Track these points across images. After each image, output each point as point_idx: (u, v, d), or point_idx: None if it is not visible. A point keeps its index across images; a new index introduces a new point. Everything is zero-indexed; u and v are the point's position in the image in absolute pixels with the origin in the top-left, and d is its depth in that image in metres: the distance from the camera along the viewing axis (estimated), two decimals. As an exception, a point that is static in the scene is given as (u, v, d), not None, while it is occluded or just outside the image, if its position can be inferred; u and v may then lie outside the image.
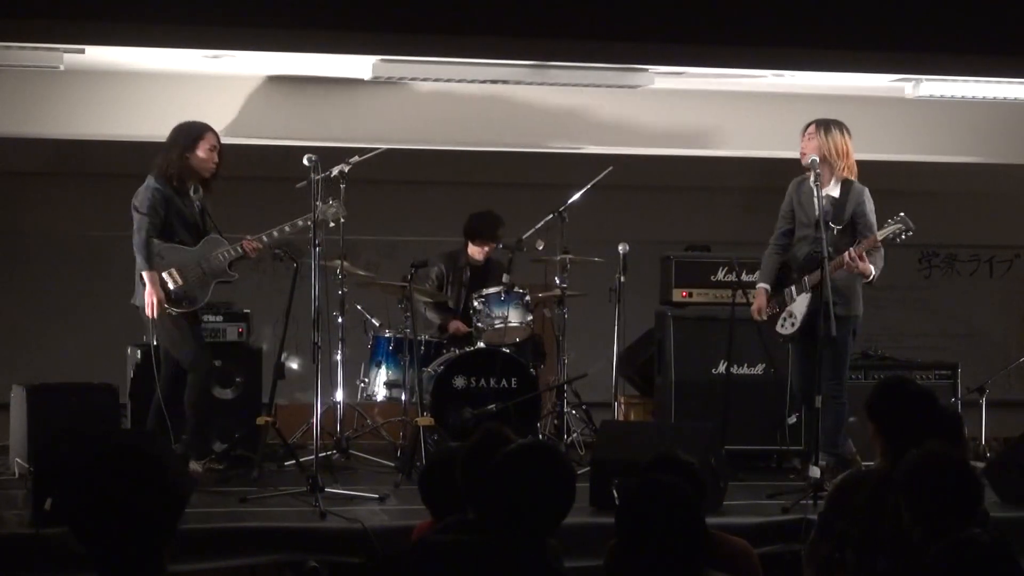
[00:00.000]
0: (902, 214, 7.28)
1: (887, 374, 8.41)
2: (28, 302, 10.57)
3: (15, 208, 10.71)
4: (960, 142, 9.69)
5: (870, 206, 7.38)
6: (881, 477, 4.61)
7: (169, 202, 7.37)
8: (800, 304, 7.34)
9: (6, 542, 6.10)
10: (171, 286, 7.34)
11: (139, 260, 7.40)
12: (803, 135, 7.50)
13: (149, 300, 7.31)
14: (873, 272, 7.30)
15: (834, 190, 7.43)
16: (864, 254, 7.24)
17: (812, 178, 7.31)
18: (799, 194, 7.48)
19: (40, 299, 10.57)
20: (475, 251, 8.95)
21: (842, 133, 7.44)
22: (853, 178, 7.45)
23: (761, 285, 7.64)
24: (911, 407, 4.81)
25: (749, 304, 8.24)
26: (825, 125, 7.44)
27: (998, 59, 7.81)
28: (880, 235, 7.27)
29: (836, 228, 7.34)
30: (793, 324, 7.41)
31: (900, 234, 7.25)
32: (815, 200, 7.31)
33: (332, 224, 7.53)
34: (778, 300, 7.58)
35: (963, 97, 8.62)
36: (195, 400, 7.45)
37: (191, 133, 7.44)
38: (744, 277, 8.45)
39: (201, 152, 7.39)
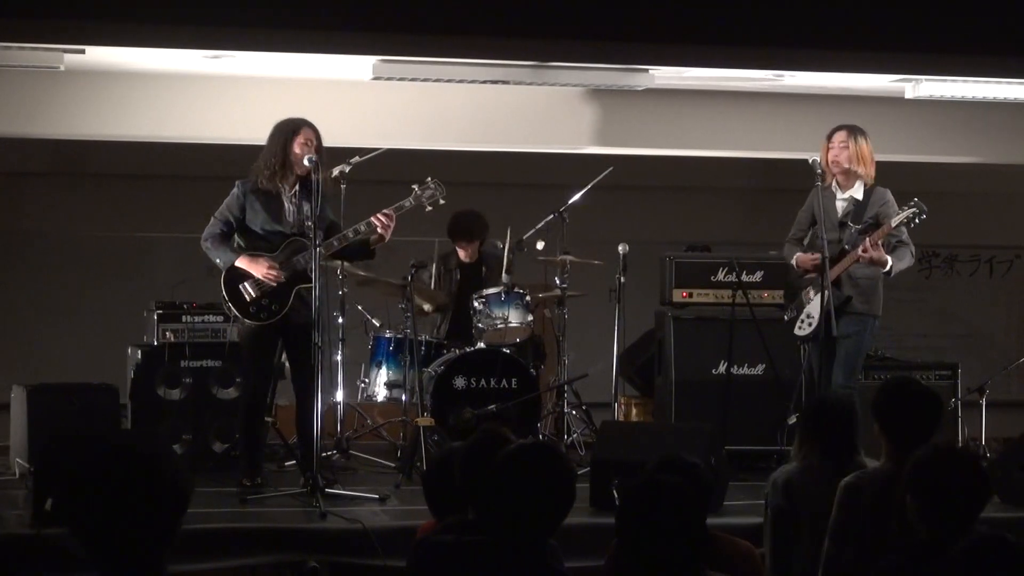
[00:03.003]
0: (916, 199, 7.32)
1: (887, 374, 8.43)
2: (28, 302, 10.57)
3: (15, 208, 10.72)
4: (960, 142, 9.69)
5: (893, 207, 7.42)
6: (886, 477, 4.60)
7: (248, 206, 7.12)
8: (816, 304, 7.34)
9: (6, 542, 6.10)
10: (247, 298, 7.09)
11: (219, 263, 7.14)
12: (829, 140, 7.47)
13: (263, 273, 7.04)
14: (890, 262, 7.33)
15: (857, 192, 7.48)
16: (879, 244, 7.27)
17: (817, 179, 7.33)
18: (820, 199, 7.42)
19: (40, 299, 10.58)
20: (460, 251, 8.96)
21: (867, 140, 7.50)
22: (871, 183, 7.49)
23: (798, 255, 7.58)
24: (916, 407, 4.82)
25: (749, 304, 8.26)
26: (855, 133, 7.46)
27: (998, 59, 7.81)
28: (894, 221, 7.32)
29: (855, 227, 7.38)
30: (810, 324, 7.42)
31: (915, 218, 7.30)
32: (836, 203, 7.45)
33: (429, 208, 7.43)
34: (796, 303, 7.59)
35: (963, 97, 8.61)
36: (241, 422, 7.33)
37: (287, 128, 7.13)
38: (744, 277, 8.46)
39: (296, 147, 7.08)
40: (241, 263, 7.09)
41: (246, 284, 7.09)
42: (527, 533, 3.60)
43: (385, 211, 7.20)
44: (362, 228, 7.20)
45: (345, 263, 8.24)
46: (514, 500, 3.61)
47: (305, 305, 7.06)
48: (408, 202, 7.32)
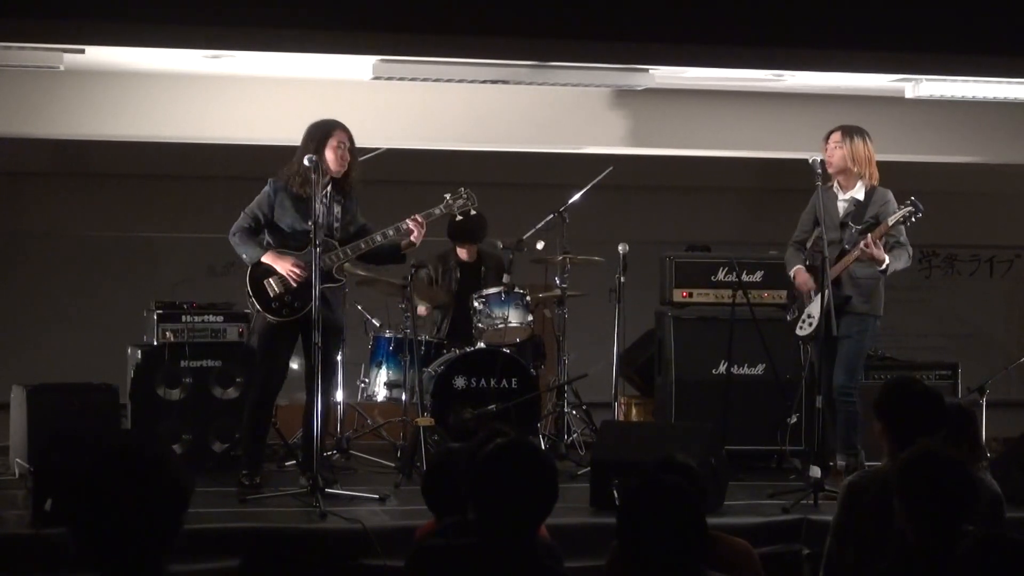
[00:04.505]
0: (912, 198, 7.33)
1: (888, 374, 8.43)
2: (28, 302, 10.57)
3: (15, 208, 10.72)
4: (960, 142, 9.69)
5: (893, 207, 7.42)
6: (888, 476, 4.60)
7: (279, 204, 7.13)
8: (817, 304, 7.34)
9: (6, 542, 6.10)
10: (270, 294, 7.09)
11: (245, 258, 7.16)
12: (827, 141, 7.48)
13: (288, 270, 7.05)
14: (887, 261, 7.32)
15: (859, 193, 7.48)
16: (879, 242, 7.27)
17: (818, 179, 7.32)
18: (822, 200, 7.42)
19: (40, 299, 10.58)
20: (461, 252, 8.97)
21: (864, 141, 7.49)
22: (875, 184, 7.48)
23: (796, 268, 7.62)
24: (918, 406, 4.82)
25: (749, 304, 8.26)
26: (850, 133, 7.46)
27: (998, 59, 7.82)
28: (891, 220, 7.32)
29: (856, 228, 7.38)
30: (811, 324, 7.42)
31: (911, 217, 7.31)
32: (837, 203, 7.45)
33: (460, 218, 7.48)
34: (798, 303, 7.59)
35: (963, 97, 8.62)
36: (247, 416, 7.31)
37: (320, 131, 7.14)
38: (744, 277, 8.46)
39: (330, 150, 7.09)
40: (267, 259, 7.11)
41: (270, 280, 7.12)
42: (512, 529, 3.61)
43: (416, 217, 7.22)
44: (390, 233, 7.24)
45: (346, 264, 8.23)
46: (496, 498, 3.63)
47: (326, 305, 7.08)
48: (439, 210, 7.38)
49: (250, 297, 7.16)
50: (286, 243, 7.17)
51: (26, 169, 10.56)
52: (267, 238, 7.22)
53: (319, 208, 7.11)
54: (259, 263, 7.13)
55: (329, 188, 7.17)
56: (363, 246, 7.21)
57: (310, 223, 6.98)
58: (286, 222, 7.16)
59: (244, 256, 7.18)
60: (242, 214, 7.21)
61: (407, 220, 7.22)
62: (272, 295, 7.11)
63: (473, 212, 7.50)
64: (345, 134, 7.17)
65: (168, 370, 8.04)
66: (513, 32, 7.29)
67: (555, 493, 3.70)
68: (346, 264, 8.21)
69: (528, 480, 3.65)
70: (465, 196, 7.41)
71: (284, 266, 7.10)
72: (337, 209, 7.16)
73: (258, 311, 7.19)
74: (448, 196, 7.42)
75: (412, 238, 7.23)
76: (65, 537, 3.06)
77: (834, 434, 7.43)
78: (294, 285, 7.08)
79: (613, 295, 8.46)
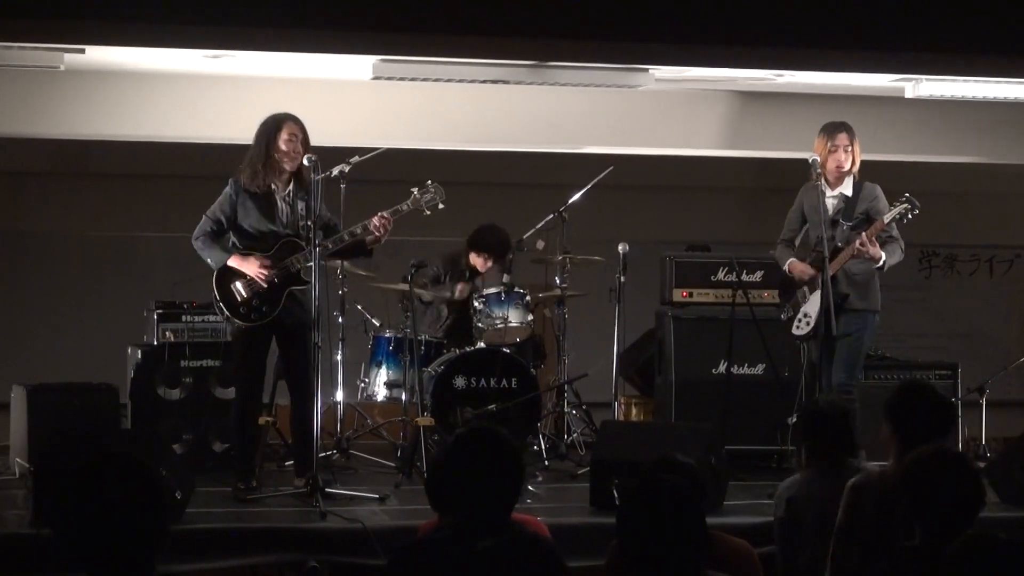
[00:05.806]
0: (907, 194, 7.32)
1: (887, 374, 8.44)
2: (28, 302, 10.58)
3: (15, 208, 10.72)
4: (960, 142, 9.70)
5: (883, 203, 7.42)
6: (892, 479, 4.60)
7: (239, 204, 6.98)
8: (813, 303, 7.33)
9: (6, 542, 6.10)
10: (238, 299, 6.98)
11: (211, 262, 7.02)
12: (832, 141, 7.42)
13: (255, 272, 6.92)
14: (883, 257, 7.31)
15: (847, 189, 7.47)
16: (874, 239, 7.26)
17: (815, 177, 7.33)
18: (810, 197, 7.44)
19: (40, 299, 10.59)
20: (477, 260, 8.91)
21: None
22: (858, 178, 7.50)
23: (790, 260, 7.59)
24: (931, 412, 4.81)
25: (749, 304, 8.26)
26: (853, 134, 7.45)
27: (998, 59, 7.81)
28: (887, 217, 7.31)
29: (847, 224, 7.38)
30: (808, 323, 7.41)
31: (907, 213, 7.30)
32: (826, 200, 7.43)
33: (428, 213, 7.23)
34: (792, 303, 7.59)
35: (963, 97, 8.61)
36: (234, 423, 7.25)
37: (271, 125, 6.99)
38: (744, 277, 8.46)
39: (281, 143, 6.94)
40: (233, 262, 6.98)
41: (237, 284, 7.00)
42: (485, 514, 3.62)
43: (383, 214, 7.12)
44: (358, 231, 7.10)
45: (345, 263, 8.24)
46: (462, 485, 3.65)
47: (298, 305, 7.02)
48: (405, 206, 7.20)
49: (218, 302, 7.03)
50: (253, 245, 7.02)
51: (26, 169, 10.57)
52: (233, 240, 7.06)
53: (281, 206, 7.02)
54: (224, 267, 6.99)
55: (291, 186, 7.04)
56: (330, 246, 7.02)
57: (308, 222, 6.91)
58: (249, 223, 7.01)
59: (209, 261, 7.02)
60: (204, 217, 7.05)
61: (374, 218, 7.08)
62: (240, 300, 6.99)
63: (441, 206, 7.25)
64: (297, 126, 7.00)
65: (168, 370, 8.04)
66: (513, 32, 7.29)
67: (521, 473, 3.71)
68: (346, 264, 8.24)
69: (490, 462, 3.66)
70: (433, 191, 7.22)
71: (251, 268, 6.95)
72: (300, 206, 7.01)
73: (227, 317, 7.07)
74: (415, 191, 7.22)
75: (376, 234, 7.06)
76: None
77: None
78: (264, 286, 6.97)
79: (613, 295, 8.46)
